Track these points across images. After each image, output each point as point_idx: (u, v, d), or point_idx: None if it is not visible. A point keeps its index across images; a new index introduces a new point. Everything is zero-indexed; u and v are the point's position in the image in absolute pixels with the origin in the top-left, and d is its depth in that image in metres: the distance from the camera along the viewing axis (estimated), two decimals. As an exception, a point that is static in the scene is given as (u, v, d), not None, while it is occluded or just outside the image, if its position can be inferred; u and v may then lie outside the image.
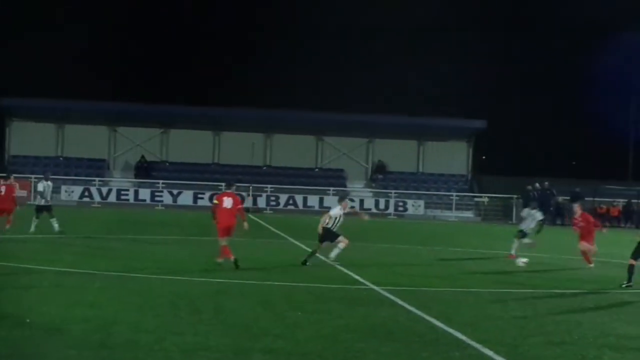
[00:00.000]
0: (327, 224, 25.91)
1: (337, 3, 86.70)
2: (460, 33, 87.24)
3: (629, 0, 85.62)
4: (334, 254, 25.99)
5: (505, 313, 18.24)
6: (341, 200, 26.85)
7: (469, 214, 65.55)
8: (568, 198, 62.18)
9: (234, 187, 26.07)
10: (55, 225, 34.42)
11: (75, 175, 65.43)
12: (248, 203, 62.07)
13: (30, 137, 68.09)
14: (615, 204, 64.06)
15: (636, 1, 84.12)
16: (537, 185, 61.08)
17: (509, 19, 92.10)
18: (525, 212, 34.16)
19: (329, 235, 26.00)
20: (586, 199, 62.08)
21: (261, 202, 63.25)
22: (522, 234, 32.53)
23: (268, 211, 61.91)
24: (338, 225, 26.08)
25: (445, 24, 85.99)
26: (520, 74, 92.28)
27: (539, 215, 33.69)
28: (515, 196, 63.08)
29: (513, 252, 31.70)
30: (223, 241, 24.74)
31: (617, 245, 39.05)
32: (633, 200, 63.06)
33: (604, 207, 63.54)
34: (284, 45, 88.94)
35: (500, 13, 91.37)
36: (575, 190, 61.14)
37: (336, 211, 26.13)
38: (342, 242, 25.91)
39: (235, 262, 24.15)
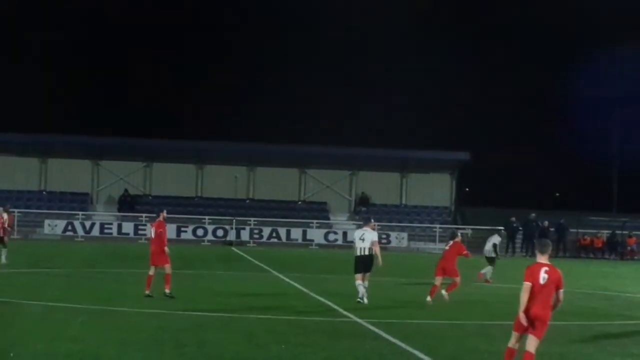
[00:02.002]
0: None
1: (318, 35, 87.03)
2: (442, 64, 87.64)
3: (610, 34, 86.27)
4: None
5: (489, 346, 18.20)
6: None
7: (452, 246, 65.32)
8: (552, 229, 62.29)
9: (161, 217, 26.42)
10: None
11: (59, 210, 65.19)
12: (231, 236, 61.96)
13: (13, 171, 67.90)
14: (599, 235, 64.16)
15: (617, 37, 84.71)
16: (533, 215, 61.28)
17: (490, 50, 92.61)
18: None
19: None
20: (570, 230, 62.27)
21: (244, 235, 63.08)
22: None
23: (251, 244, 61.81)
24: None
25: (428, 56, 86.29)
26: (504, 105, 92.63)
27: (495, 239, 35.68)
28: (499, 228, 62.99)
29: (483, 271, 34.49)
30: (150, 270, 25.04)
31: (601, 277, 39.08)
32: (617, 232, 63.17)
33: (588, 238, 63.63)
34: (266, 79, 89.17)
35: (481, 44, 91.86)
36: (559, 222, 61.32)
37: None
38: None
39: (147, 295, 24.45)
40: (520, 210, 64.44)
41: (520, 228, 61.33)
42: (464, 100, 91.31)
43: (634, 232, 63.63)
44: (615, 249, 62.66)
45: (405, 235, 64.59)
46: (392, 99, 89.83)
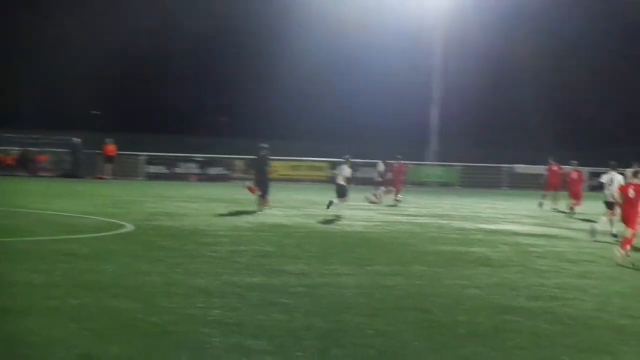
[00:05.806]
0: None
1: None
2: None
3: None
4: None
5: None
6: None
7: None
8: None
9: None
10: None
11: None
12: None
13: None
14: (10, 151, 64.18)
15: None
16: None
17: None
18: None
19: None
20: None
21: None
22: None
23: None
24: None
25: None
26: None
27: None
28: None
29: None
30: None
31: (11, 194, 39.84)
32: (29, 149, 63.67)
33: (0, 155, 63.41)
34: None
35: None
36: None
37: None
38: None
39: None
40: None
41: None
42: None
43: (45, 149, 64.64)
44: (26, 165, 63.20)
45: None
46: None
